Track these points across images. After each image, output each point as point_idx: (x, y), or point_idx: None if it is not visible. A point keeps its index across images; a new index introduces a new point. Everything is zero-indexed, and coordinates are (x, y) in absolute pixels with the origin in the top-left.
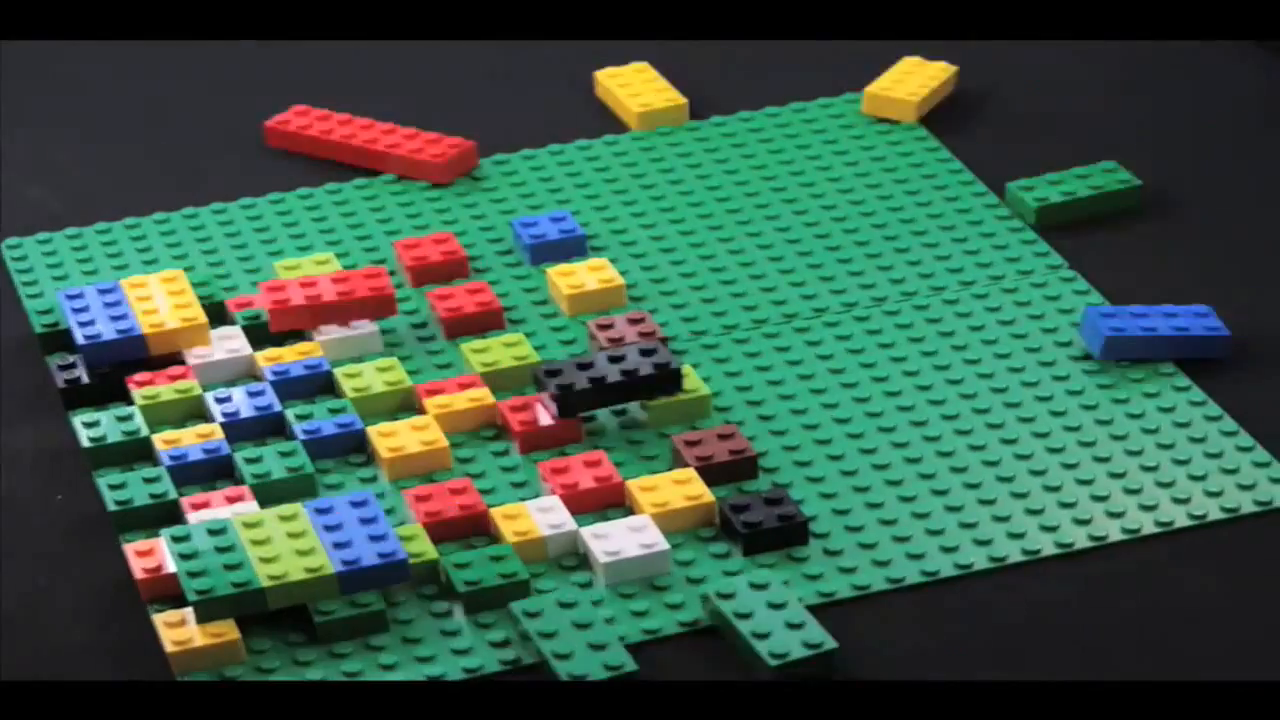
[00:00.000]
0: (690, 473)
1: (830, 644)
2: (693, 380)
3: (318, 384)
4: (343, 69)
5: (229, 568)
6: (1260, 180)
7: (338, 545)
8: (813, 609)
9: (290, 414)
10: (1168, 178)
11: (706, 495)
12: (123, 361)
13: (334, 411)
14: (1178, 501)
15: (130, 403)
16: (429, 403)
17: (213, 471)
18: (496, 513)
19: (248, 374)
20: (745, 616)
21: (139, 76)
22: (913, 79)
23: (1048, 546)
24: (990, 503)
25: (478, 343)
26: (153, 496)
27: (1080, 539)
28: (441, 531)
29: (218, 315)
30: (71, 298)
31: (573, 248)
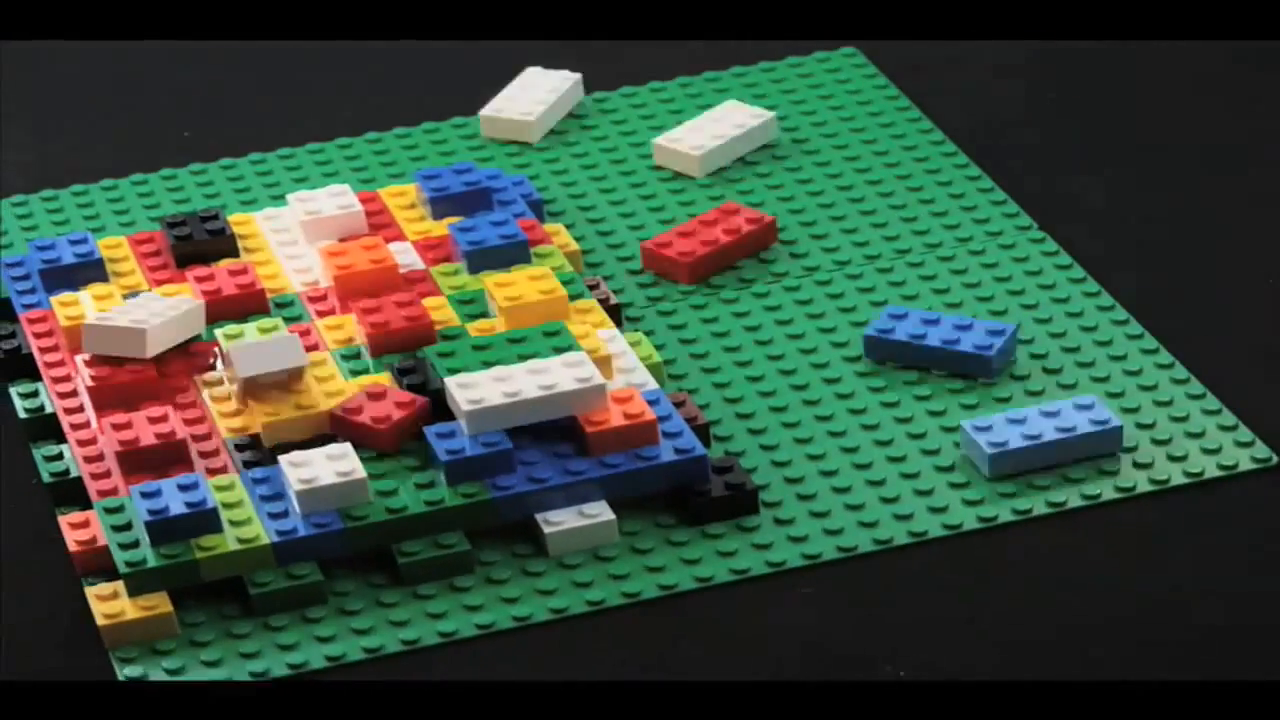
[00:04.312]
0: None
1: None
2: (645, 348)
3: None
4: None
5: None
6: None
7: (273, 515)
8: (761, 579)
9: None
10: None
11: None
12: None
13: None
14: (1139, 466)
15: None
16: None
17: None
18: None
19: None
20: None
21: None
22: None
23: (1004, 513)
24: (948, 469)
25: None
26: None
27: (1039, 506)
28: None
29: None
30: (10, 265)
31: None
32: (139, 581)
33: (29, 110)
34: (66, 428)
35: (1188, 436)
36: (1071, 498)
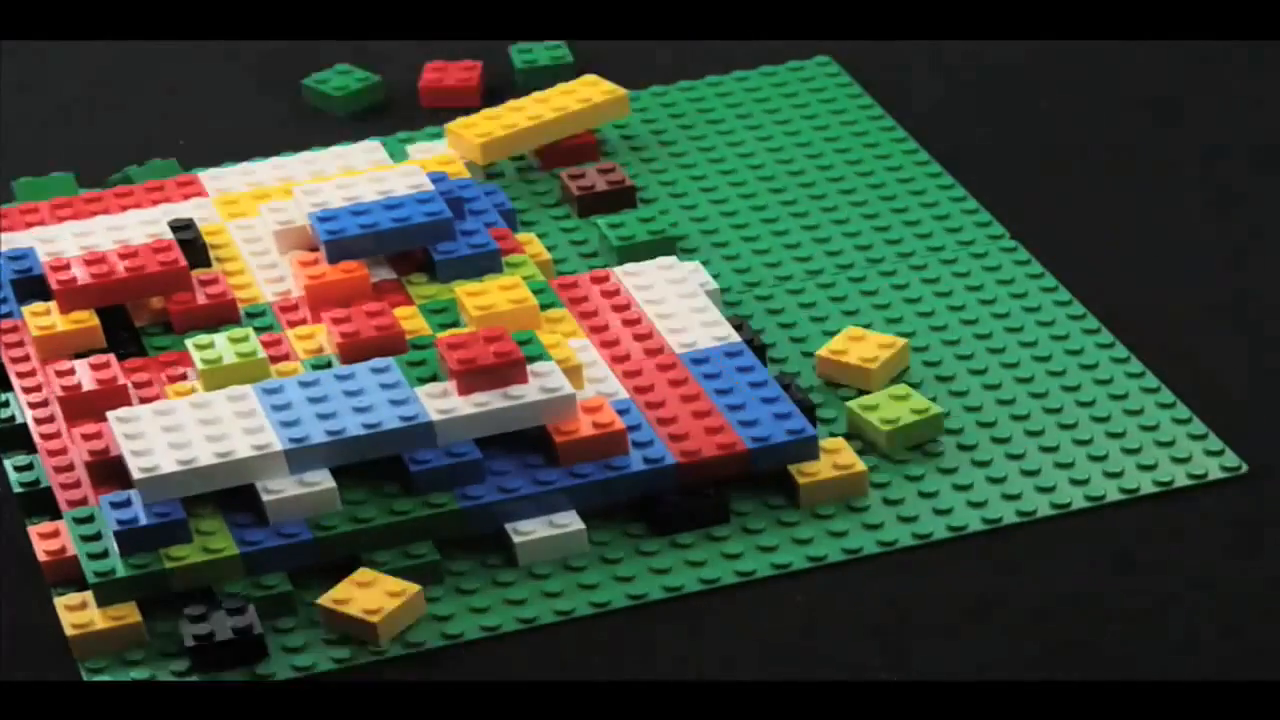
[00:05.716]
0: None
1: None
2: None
3: None
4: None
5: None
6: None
7: (242, 525)
8: (734, 588)
9: None
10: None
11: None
12: None
13: None
14: (1109, 475)
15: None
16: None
17: None
18: None
19: None
20: None
21: None
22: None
23: (974, 523)
24: (917, 479)
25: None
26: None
27: (1009, 515)
28: None
29: None
30: None
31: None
32: (108, 591)
33: (24, 112)
34: (37, 438)
35: (1157, 445)
36: (1041, 506)
